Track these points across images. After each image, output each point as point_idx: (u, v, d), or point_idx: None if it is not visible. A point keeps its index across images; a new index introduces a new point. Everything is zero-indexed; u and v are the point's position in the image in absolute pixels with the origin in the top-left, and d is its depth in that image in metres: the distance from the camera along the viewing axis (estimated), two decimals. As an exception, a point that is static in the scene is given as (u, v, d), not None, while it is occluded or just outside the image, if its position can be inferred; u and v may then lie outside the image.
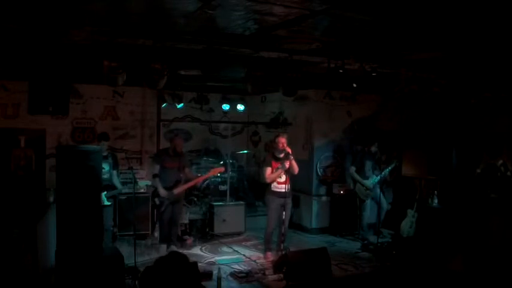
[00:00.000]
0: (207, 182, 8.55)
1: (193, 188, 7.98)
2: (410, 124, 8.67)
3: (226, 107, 9.40)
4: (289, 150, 6.54)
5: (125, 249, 6.21)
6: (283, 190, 6.53)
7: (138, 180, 7.63)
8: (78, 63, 6.50)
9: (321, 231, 8.44)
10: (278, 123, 9.41)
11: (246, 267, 6.34)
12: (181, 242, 7.40)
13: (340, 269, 6.38)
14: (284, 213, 6.58)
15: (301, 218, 8.68)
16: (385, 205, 7.87)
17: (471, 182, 6.96)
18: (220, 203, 8.21)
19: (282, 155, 6.63)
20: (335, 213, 8.45)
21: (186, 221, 7.79)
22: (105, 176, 6.43)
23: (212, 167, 7.92)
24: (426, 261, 6.28)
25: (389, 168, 7.77)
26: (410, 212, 7.67)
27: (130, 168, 6.43)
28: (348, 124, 8.81)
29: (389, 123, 9.00)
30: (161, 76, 5.51)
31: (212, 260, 6.73)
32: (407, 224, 7.63)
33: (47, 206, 6.25)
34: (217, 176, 8.50)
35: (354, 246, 7.59)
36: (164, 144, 8.22)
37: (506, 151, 6.88)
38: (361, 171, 7.77)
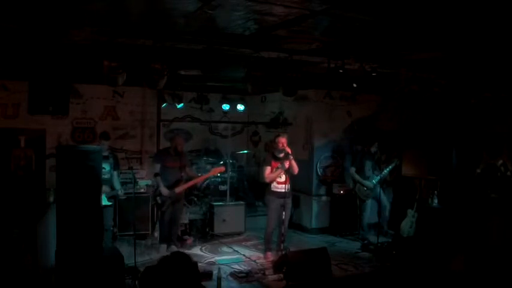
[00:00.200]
0: (207, 181, 8.55)
1: (194, 187, 7.98)
2: (410, 124, 8.66)
3: (226, 107, 9.40)
4: (289, 150, 6.54)
5: (125, 249, 6.21)
6: (283, 190, 6.53)
7: (138, 180, 7.64)
8: (78, 63, 6.49)
9: (321, 231, 8.44)
10: (278, 123, 9.41)
11: (246, 267, 6.34)
12: (181, 242, 7.40)
13: (340, 269, 6.37)
14: (284, 213, 6.58)
15: (301, 218, 8.68)
16: (386, 204, 7.88)
17: (471, 182, 6.96)
18: (220, 203, 8.21)
19: (281, 155, 6.63)
20: (335, 213, 8.45)
21: (186, 221, 7.78)
22: (106, 176, 6.44)
23: (212, 167, 7.93)
24: (426, 261, 6.28)
25: (390, 167, 7.77)
26: (410, 212, 7.67)
27: (130, 168, 6.44)
28: (348, 124, 8.81)
29: (389, 123, 9.00)
30: (161, 76, 5.51)
31: (212, 260, 6.73)
32: (407, 224, 7.64)
33: (47, 206, 6.25)
34: (217, 176, 8.50)
35: (354, 246, 7.58)
36: (164, 144, 8.22)
37: (506, 151, 6.89)
38: (361, 171, 7.78)
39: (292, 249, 6.51)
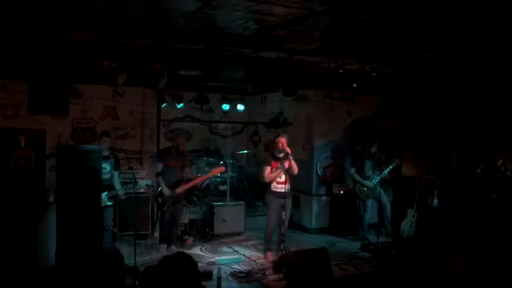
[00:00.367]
0: (207, 181, 8.54)
1: (194, 187, 7.98)
2: (410, 124, 8.66)
3: (226, 107, 9.39)
4: (288, 150, 6.54)
5: (125, 249, 6.21)
6: (283, 190, 6.53)
7: (138, 180, 7.64)
8: (78, 63, 6.49)
9: (321, 231, 8.44)
10: (278, 123, 9.41)
11: (246, 267, 6.34)
12: (181, 242, 7.40)
13: (340, 269, 6.37)
14: (284, 213, 6.58)
15: (301, 218, 8.68)
16: (387, 203, 7.88)
17: (471, 182, 6.96)
18: (220, 203, 8.21)
19: (281, 155, 6.63)
20: (335, 213, 8.45)
21: (186, 221, 7.79)
22: (106, 176, 6.44)
23: (210, 169, 7.94)
24: (426, 261, 6.28)
25: (391, 167, 7.77)
26: (410, 212, 7.67)
27: (131, 168, 6.44)
28: (348, 124, 8.81)
29: (389, 123, 9.00)
30: (161, 76, 5.51)
31: (212, 260, 6.73)
32: (407, 224, 7.64)
33: (47, 206, 6.25)
34: (217, 176, 8.50)
35: (354, 246, 7.58)
36: (164, 144, 8.22)
37: (506, 151, 6.89)
38: (361, 171, 7.79)
39: (292, 249, 6.51)
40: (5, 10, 4.16)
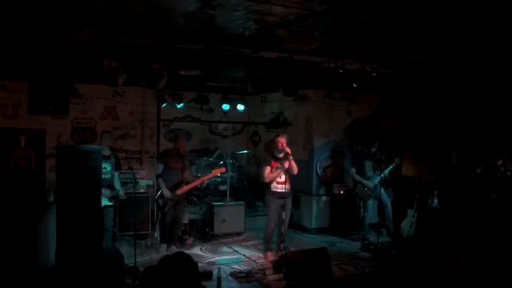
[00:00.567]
0: (207, 182, 8.54)
1: (194, 188, 7.97)
2: (410, 124, 8.66)
3: (226, 107, 9.39)
4: (288, 150, 6.54)
5: (125, 249, 6.21)
6: (283, 190, 6.53)
7: (138, 180, 7.63)
8: (78, 63, 6.49)
9: (321, 231, 8.44)
10: (278, 123, 9.41)
11: (246, 267, 6.34)
12: (181, 242, 7.40)
13: (340, 269, 6.38)
14: (284, 213, 6.58)
15: (301, 218, 8.68)
16: (388, 202, 7.88)
17: (471, 182, 6.96)
18: (220, 203, 8.22)
19: (281, 155, 6.63)
20: (335, 213, 8.45)
21: (186, 221, 7.78)
22: (107, 176, 6.44)
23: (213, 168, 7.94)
24: (426, 261, 6.28)
25: (391, 167, 7.77)
26: (410, 212, 7.68)
27: (131, 168, 6.44)
28: (348, 124, 8.81)
29: (389, 123, 9.00)
30: (161, 76, 5.50)
31: (212, 260, 6.73)
32: (407, 224, 7.64)
33: (47, 206, 6.26)
34: (217, 176, 8.49)
35: (354, 246, 7.58)
36: (164, 144, 8.22)
37: (506, 151, 6.89)
38: (361, 172, 7.79)
39: (292, 249, 6.51)
40: (5, 10, 4.16)
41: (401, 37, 5.05)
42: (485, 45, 5.27)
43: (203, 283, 2.98)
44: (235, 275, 5.99)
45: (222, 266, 6.13)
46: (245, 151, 9.96)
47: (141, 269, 5.45)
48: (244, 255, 6.99)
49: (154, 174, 7.22)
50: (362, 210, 8.04)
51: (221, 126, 10.09)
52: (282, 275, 5.77)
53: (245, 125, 10.33)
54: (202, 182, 8.14)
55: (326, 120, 8.57)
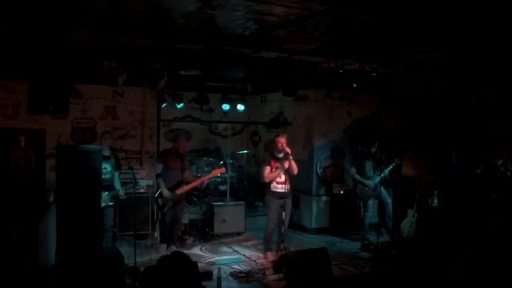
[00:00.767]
0: (207, 182, 8.54)
1: (194, 188, 7.98)
2: (410, 124, 8.66)
3: (226, 107, 9.39)
4: (288, 150, 6.54)
5: (125, 249, 6.21)
6: (283, 190, 6.53)
7: (138, 180, 7.63)
8: (78, 63, 6.49)
9: (321, 231, 8.44)
10: (278, 123, 9.41)
11: (246, 267, 6.34)
12: (181, 242, 7.40)
13: (340, 269, 6.38)
14: (284, 213, 6.58)
15: (301, 218, 8.68)
16: (388, 201, 7.88)
17: (471, 182, 6.96)
18: (220, 203, 8.22)
19: (281, 155, 6.63)
20: (335, 213, 8.45)
21: (186, 221, 7.78)
22: (107, 176, 6.44)
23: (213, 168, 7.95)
24: (426, 261, 6.28)
25: (391, 167, 7.77)
26: (410, 212, 7.68)
27: (131, 168, 6.44)
28: (348, 124, 8.81)
29: (389, 123, 9.00)
30: (161, 76, 5.50)
31: (212, 260, 6.73)
32: (407, 224, 7.64)
33: (47, 206, 6.26)
34: (217, 176, 8.50)
35: (354, 246, 7.59)
36: (164, 144, 8.22)
37: (506, 151, 6.88)
38: (361, 172, 7.79)
39: (292, 249, 6.51)
40: (5, 10, 4.16)
41: (401, 37, 5.05)
42: (485, 45, 5.27)
43: (203, 283, 2.98)
44: (235, 275, 5.99)
45: (222, 266, 6.13)
46: (245, 151, 9.96)
47: (141, 269, 5.45)
48: (244, 255, 6.99)
49: (154, 174, 7.21)
50: (362, 210, 8.05)
51: (221, 126, 10.09)
52: (282, 275, 5.77)
53: (245, 125, 10.33)
54: (202, 182, 8.15)
55: (326, 120, 8.57)
